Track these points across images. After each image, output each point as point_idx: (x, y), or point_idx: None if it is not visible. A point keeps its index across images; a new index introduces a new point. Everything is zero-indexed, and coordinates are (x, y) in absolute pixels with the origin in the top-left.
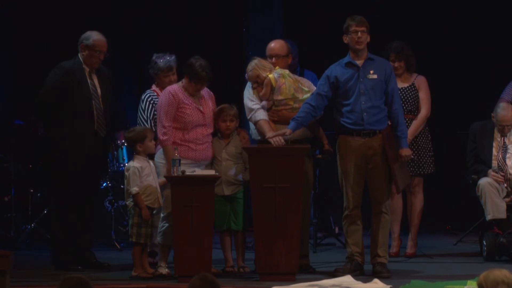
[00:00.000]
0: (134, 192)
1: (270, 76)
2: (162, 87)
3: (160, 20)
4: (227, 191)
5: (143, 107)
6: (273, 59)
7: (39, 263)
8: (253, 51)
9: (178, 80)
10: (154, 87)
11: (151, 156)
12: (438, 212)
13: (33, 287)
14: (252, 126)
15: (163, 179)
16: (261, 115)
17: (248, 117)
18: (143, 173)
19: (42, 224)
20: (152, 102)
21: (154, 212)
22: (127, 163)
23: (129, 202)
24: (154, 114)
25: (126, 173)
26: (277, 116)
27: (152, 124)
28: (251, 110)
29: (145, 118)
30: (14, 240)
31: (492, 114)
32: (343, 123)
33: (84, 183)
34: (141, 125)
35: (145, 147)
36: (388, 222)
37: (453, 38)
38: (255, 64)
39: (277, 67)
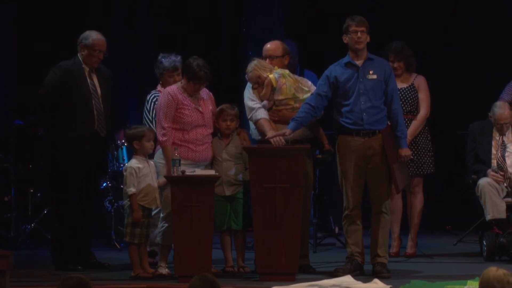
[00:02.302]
0: (130, 192)
1: (271, 76)
2: (166, 87)
3: (160, 20)
4: (228, 192)
5: (148, 108)
6: (268, 60)
7: (39, 263)
8: (253, 51)
9: None
10: (159, 87)
11: (150, 156)
12: (438, 212)
13: (33, 287)
14: (252, 126)
15: (163, 179)
16: (262, 114)
17: (249, 117)
18: (140, 174)
19: (42, 224)
20: (156, 102)
21: (155, 212)
22: (127, 163)
23: (126, 201)
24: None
25: (124, 173)
26: (277, 116)
27: (156, 125)
28: (252, 109)
29: (150, 119)
30: (14, 240)
31: (489, 113)
32: (343, 123)
33: (84, 183)
34: (145, 125)
35: (141, 145)
36: (388, 222)
37: (453, 38)
38: (254, 65)
39: (276, 67)
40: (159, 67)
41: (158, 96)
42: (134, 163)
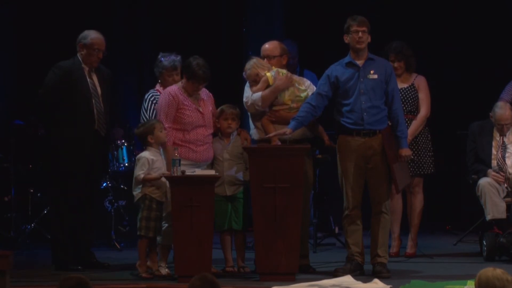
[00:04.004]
0: (140, 176)
1: (268, 74)
2: (165, 87)
3: (160, 20)
4: (229, 191)
5: (146, 107)
6: (266, 60)
7: (39, 263)
8: (253, 51)
9: None
10: (158, 86)
11: None
12: (438, 212)
13: (33, 287)
14: (252, 126)
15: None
16: (258, 93)
17: (248, 104)
18: (154, 165)
19: (42, 224)
20: (154, 102)
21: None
22: (127, 163)
23: (137, 193)
24: (156, 114)
25: (136, 162)
26: (275, 116)
27: None
28: (247, 97)
29: (147, 118)
30: (14, 240)
31: (490, 113)
32: (343, 123)
33: (85, 182)
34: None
35: (156, 137)
36: (388, 222)
37: (453, 38)
38: (253, 63)
39: (273, 67)
40: (159, 66)
41: (156, 95)
42: (147, 154)
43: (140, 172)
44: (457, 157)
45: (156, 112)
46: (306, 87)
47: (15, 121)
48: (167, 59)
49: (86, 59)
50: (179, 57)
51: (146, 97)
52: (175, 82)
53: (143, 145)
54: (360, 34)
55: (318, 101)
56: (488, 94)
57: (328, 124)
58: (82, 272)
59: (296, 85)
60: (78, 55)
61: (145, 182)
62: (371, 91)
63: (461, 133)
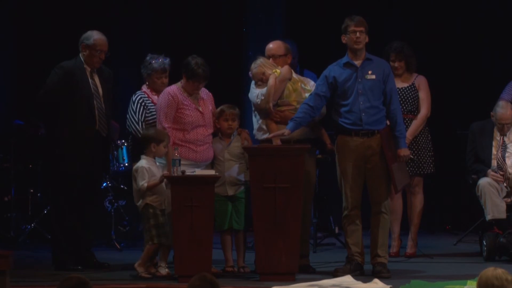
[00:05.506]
0: (144, 186)
1: (278, 71)
2: (153, 88)
3: (160, 20)
4: (230, 191)
5: (134, 109)
6: (271, 59)
7: (39, 263)
8: (253, 51)
9: (169, 83)
10: (144, 88)
11: None
12: (438, 212)
13: (33, 287)
14: (255, 126)
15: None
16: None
17: (257, 100)
18: (151, 174)
19: (42, 224)
20: (143, 103)
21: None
22: (127, 163)
23: (140, 203)
24: (145, 116)
25: (135, 174)
26: (279, 117)
27: (143, 127)
28: (257, 95)
29: (136, 120)
30: (14, 240)
31: (491, 113)
32: (342, 123)
33: (85, 183)
34: (131, 127)
35: (158, 149)
36: (388, 222)
37: (453, 38)
38: (260, 62)
39: (279, 67)
40: (148, 68)
41: (144, 97)
42: (144, 163)
43: (142, 182)
44: (457, 157)
45: (146, 113)
46: (311, 87)
47: (15, 121)
48: (157, 61)
49: (88, 59)
50: (168, 59)
51: (133, 99)
52: (163, 84)
53: (141, 148)
54: (357, 34)
55: (316, 102)
56: (488, 94)
57: (328, 125)
58: (82, 272)
59: (302, 85)
60: (80, 55)
61: (149, 189)
62: (369, 92)
63: (461, 133)
